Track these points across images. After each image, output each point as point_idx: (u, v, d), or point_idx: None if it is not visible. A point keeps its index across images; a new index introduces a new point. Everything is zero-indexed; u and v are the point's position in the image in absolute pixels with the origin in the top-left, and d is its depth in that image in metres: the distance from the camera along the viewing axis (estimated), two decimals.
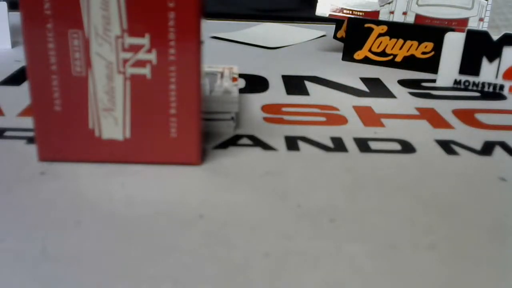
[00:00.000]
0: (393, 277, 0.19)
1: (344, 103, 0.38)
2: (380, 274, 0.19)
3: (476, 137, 0.32)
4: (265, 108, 0.36)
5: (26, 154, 0.27)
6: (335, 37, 0.56)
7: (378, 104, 0.38)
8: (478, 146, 0.31)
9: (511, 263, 0.20)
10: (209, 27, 0.64)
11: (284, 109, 0.36)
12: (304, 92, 0.40)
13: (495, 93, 0.41)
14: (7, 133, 0.30)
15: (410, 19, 0.51)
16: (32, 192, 0.23)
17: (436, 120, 0.35)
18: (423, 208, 0.23)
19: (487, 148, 0.30)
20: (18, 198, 0.23)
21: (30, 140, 0.29)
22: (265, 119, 0.34)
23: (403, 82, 0.44)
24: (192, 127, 0.25)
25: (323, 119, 0.34)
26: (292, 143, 0.30)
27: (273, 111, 0.35)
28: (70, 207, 0.22)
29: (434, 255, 0.20)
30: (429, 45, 0.47)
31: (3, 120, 0.32)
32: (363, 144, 0.30)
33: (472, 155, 0.29)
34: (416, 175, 0.27)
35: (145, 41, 0.24)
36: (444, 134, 0.32)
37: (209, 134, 0.30)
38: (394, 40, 0.48)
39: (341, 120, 0.34)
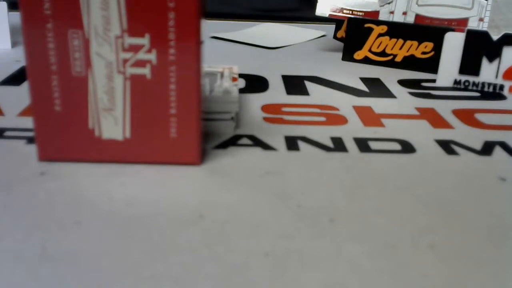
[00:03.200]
0: (392, 277, 0.19)
1: (344, 103, 0.38)
2: (380, 274, 0.19)
3: (476, 137, 0.32)
4: (265, 108, 0.36)
5: (26, 154, 0.27)
6: (335, 37, 0.56)
7: (378, 104, 0.38)
8: (478, 146, 0.31)
9: (510, 263, 0.20)
10: (209, 27, 0.64)
11: (284, 109, 0.36)
12: (304, 92, 0.40)
13: (495, 93, 0.41)
14: (7, 133, 0.30)
15: (410, 19, 0.51)
16: (32, 192, 0.23)
17: (436, 120, 0.35)
18: (423, 208, 0.23)
19: (487, 148, 0.30)
20: (18, 198, 0.23)
21: (30, 140, 0.29)
22: (265, 119, 0.34)
23: (403, 82, 0.44)
24: (192, 127, 0.25)
25: (323, 119, 0.34)
26: (292, 143, 0.30)
27: (273, 111, 0.35)
28: (70, 207, 0.22)
29: (433, 255, 0.20)
30: (429, 45, 0.47)
31: (3, 120, 0.32)
32: (363, 144, 0.30)
33: (472, 155, 0.29)
34: (416, 175, 0.27)
35: (145, 41, 0.24)
36: (444, 134, 0.32)
37: (209, 134, 0.30)
38: (394, 40, 0.48)
39: (341, 120, 0.34)
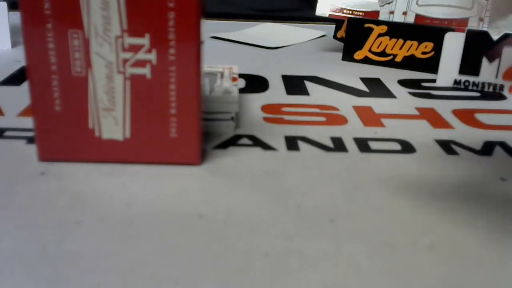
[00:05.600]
0: (392, 277, 0.19)
1: (344, 103, 0.38)
2: (380, 274, 0.19)
3: (476, 137, 0.32)
4: (265, 108, 0.36)
5: (26, 154, 0.27)
6: (335, 37, 0.56)
7: (378, 104, 0.38)
8: (478, 146, 0.31)
9: (510, 263, 0.20)
10: (209, 27, 0.64)
11: (284, 109, 0.36)
12: (304, 92, 0.40)
13: (495, 93, 0.41)
14: (7, 133, 0.30)
15: (410, 19, 0.51)
16: (32, 192, 0.23)
17: (436, 120, 0.35)
18: (423, 208, 0.23)
19: (487, 148, 0.30)
20: (18, 198, 0.23)
21: (30, 140, 0.29)
22: (265, 119, 0.34)
23: (403, 82, 0.44)
24: (192, 127, 0.25)
25: (323, 119, 0.34)
26: (292, 143, 0.30)
27: (273, 111, 0.35)
28: (70, 207, 0.22)
29: (433, 255, 0.20)
30: (429, 45, 0.47)
31: (3, 120, 0.32)
32: (363, 144, 0.30)
33: (472, 155, 0.29)
34: (416, 175, 0.27)
35: (145, 41, 0.24)
36: (444, 134, 0.32)
37: (209, 134, 0.30)
38: (394, 40, 0.48)
39: (341, 120, 0.34)
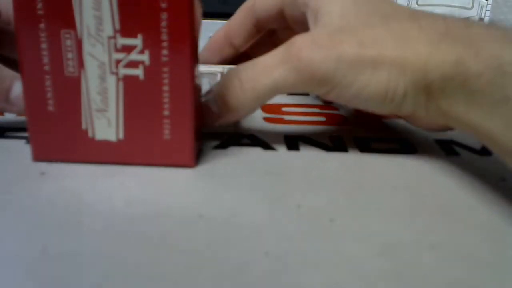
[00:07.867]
0: (393, 277, 0.19)
1: None
2: (380, 274, 0.19)
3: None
4: (265, 108, 0.36)
5: (26, 154, 0.27)
6: None
7: None
8: (478, 146, 0.31)
9: (510, 263, 0.20)
10: (209, 27, 0.64)
11: (284, 109, 0.36)
12: (304, 91, 0.40)
13: None
14: (7, 133, 0.30)
15: None
16: (32, 192, 0.23)
17: None
18: (423, 208, 0.23)
19: (487, 148, 0.30)
20: (18, 198, 0.23)
21: None
22: (265, 119, 0.34)
23: None
24: (185, 129, 0.25)
25: (323, 119, 0.34)
26: (292, 143, 0.30)
27: (273, 111, 0.35)
28: (70, 207, 0.22)
29: (434, 255, 0.20)
30: None
31: (3, 120, 0.32)
32: (363, 144, 0.30)
33: (472, 155, 0.29)
34: (416, 175, 0.27)
35: (137, 41, 0.24)
36: (444, 134, 0.32)
37: (209, 134, 0.30)
38: None
39: (341, 120, 0.34)
